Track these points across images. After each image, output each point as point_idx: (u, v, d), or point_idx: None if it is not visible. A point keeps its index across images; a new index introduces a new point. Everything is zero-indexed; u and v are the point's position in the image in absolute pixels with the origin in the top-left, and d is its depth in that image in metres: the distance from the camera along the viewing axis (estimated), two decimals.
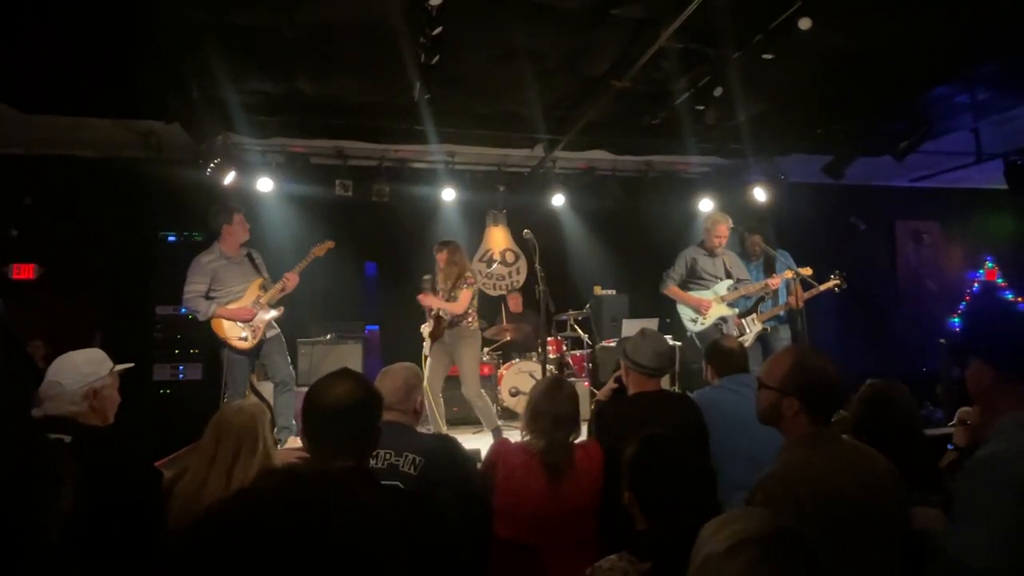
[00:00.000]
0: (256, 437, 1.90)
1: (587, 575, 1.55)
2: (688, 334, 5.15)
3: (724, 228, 5.05)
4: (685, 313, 5.08)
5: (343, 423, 1.44)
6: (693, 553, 0.95)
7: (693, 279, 5.11)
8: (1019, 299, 7.59)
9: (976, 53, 4.07)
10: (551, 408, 2.22)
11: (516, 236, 6.73)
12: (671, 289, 5.12)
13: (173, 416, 4.94)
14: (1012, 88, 4.60)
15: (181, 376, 5.37)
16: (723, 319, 5.01)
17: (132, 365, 2.28)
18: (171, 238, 5.59)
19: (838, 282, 4.96)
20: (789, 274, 4.98)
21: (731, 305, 5.04)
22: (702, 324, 4.97)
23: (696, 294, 5.06)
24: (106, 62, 3.92)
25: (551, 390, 2.29)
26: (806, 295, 4.93)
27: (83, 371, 1.98)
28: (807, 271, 5.01)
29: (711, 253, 5.10)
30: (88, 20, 3.50)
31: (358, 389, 1.49)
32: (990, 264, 7.72)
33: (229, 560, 0.55)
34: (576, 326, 6.32)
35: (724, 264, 5.11)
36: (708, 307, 4.98)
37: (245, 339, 4.33)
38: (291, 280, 4.49)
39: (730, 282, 5.06)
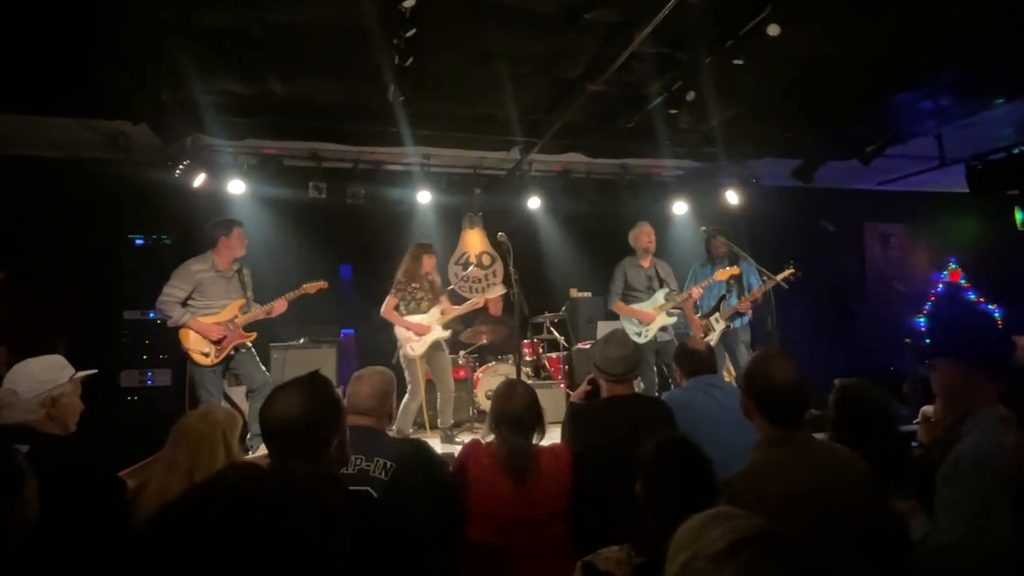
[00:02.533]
0: (215, 443, 1.86)
1: (588, 560, 1.55)
2: None
3: (648, 228, 5.20)
4: (629, 327, 5.10)
5: (293, 435, 1.43)
6: (672, 552, 0.92)
7: (630, 291, 5.20)
8: (981, 299, 7.82)
9: (938, 61, 4.19)
10: (507, 411, 2.24)
11: (492, 239, 6.72)
12: (616, 305, 5.21)
13: (141, 424, 4.82)
14: (972, 95, 4.75)
15: (150, 383, 5.25)
16: (663, 328, 5.09)
17: (95, 372, 2.22)
18: (139, 241, 5.47)
19: (792, 271, 4.97)
20: (723, 275, 5.08)
21: (669, 313, 5.10)
22: (646, 336, 5.03)
23: (637, 306, 5.13)
24: (71, 61, 3.82)
25: (505, 393, 2.31)
26: (762, 289, 5.00)
27: (40, 379, 1.93)
28: (733, 270, 5.08)
29: (642, 262, 5.20)
30: (52, 17, 3.41)
31: (308, 402, 1.46)
32: (953, 265, 7.94)
33: (184, 548, 0.56)
34: (552, 328, 6.34)
35: (657, 273, 5.21)
36: (651, 319, 5.04)
37: (207, 355, 4.25)
38: (278, 307, 4.48)
39: (665, 290, 5.14)
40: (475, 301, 4.92)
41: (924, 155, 6.00)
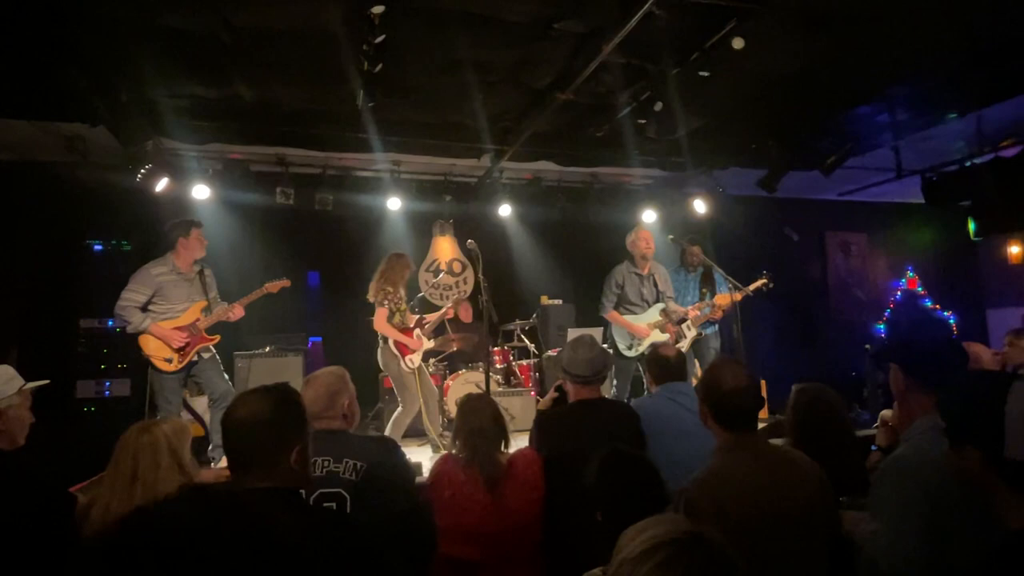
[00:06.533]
0: (157, 457, 1.80)
1: None
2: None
3: (646, 232, 5.06)
4: (621, 338, 5.01)
5: (253, 444, 1.40)
6: (612, 557, 0.95)
7: (623, 302, 5.04)
8: (936, 306, 8.09)
9: (894, 76, 4.34)
10: (474, 425, 2.26)
11: (463, 246, 6.70)
12: (610, 314, 5.04)
13: (98, 436, 4.64)
14: (926, 110, 4.93)
15: (108, 393, 5.06)
16: (653, 345, 5.01)
17: (47, 383, 2.14)
18: (97, 247, 5.30)
19: (765, 281, 5.04)
20: (724, 300, 5.03)
21: (662, 330, 5.02)
22: (636, 350, 4.94)
23: (631, 319, 5.00)
24: (25, 60, 3.69)
25: (469, 409, 2.34)
26: (736, 295, 5.04)
27: None
28: (736, 296, 5.04)
29: (640, 270, 5.03)
30: (3, 14, 3.29)
31: (270, 409, 1.42)
32: (911, 273, 8.21)
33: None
34: (523, 336, 6.34)
35: (655, 281, 5.06)
36: (646, 335, 4.93)
37: (170, 361, 4.13)
38: (236, 313, 4.37)
39: (660, 306, 5.03)
40: (445, 311, 4.85)
41: (882, 167, 6.21)
